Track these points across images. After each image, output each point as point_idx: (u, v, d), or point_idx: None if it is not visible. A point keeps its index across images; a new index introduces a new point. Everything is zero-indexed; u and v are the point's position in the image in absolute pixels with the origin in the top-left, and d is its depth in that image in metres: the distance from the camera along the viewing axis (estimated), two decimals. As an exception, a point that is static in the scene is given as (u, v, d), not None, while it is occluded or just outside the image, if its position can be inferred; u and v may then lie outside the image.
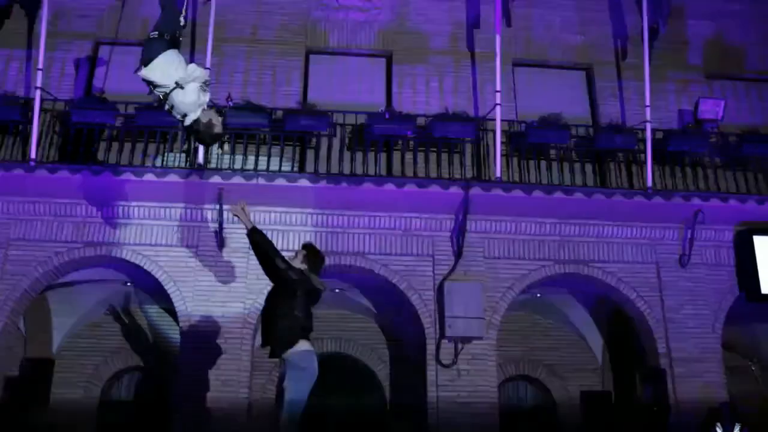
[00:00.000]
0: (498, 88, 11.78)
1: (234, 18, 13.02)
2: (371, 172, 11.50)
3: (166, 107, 6.15)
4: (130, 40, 12.87)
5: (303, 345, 6.48)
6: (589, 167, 12.24)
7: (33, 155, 10.91)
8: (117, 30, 12.86)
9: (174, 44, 6.12)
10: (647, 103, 12.17)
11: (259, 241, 6.74)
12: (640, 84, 12.98)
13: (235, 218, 11.02)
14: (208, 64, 11.46)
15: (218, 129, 6.19)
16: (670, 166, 12.28)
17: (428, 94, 12.96)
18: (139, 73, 6.08)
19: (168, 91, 6.00)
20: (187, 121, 6.12)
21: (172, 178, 10.87)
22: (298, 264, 6.81)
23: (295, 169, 11.75)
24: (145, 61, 6.02)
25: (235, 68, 12.70)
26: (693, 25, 14.18)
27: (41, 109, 11.21)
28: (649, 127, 11.96)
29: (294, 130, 11.66)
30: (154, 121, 11.36)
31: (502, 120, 11.66)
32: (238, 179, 10.88)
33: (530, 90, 13.42)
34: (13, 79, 12.47)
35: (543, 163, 11.93)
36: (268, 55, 12.97)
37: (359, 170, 11.61)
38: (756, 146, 12.36)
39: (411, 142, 11.94)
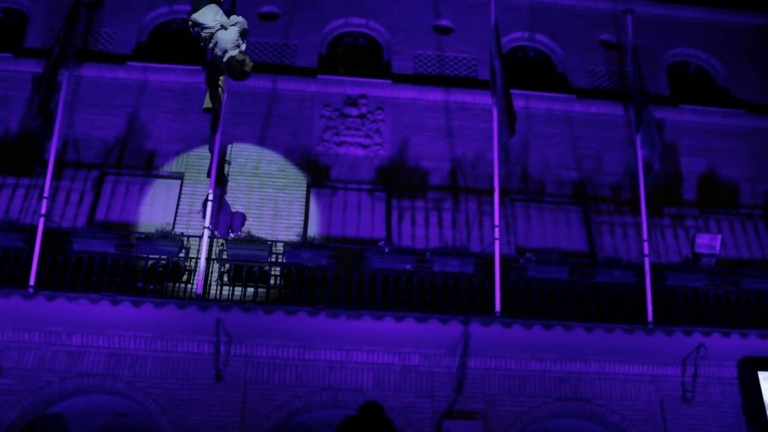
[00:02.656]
0: (497, 222, 11.92)
1: (237, 152, 13.31)
2: (370, 305, 11.44)
3: (210, 45, 7.76)
4: (135, 172, 13.18)
5: None
6: (588, 302, 12.18)
7: (32, 282, 10.91)
8: (122, 162, 13.17)
9: (216, 1, 7.74)
10: (645, 237, 12.29)
11: None
12: (636, 218, 13.18)
13: (231, 350, 11.06)
14: (211, 196, 11.64)
15: (248, 68, 7.68)
16: (669, 300, 12.24)
17: (427, 228, 13.09)
18: (190, 18, 7.70)
19: (213, 31, 7.64)
20: (226, 57, 7.65)
21: (170, 308, 10.83)
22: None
23: (294, 302, 11.69)
24: (194, 11, 7.65)
25: (236, 200, 12.87)
26: (686, 161, 14.52)
27: (43, 236, 11.27)
28: (647, 261, 12.02)
29: (294, 263, 11.70)
30: (154, 251, 11.45)
31: (500, 254, 11.75)
32: (236, 311, 10.84)
33: (528, 224, 13.58)
34: (17, 207, 12.61)
35: (543, 298, 11.89)
36: (269, 188, 13.17)
37: (358, 304, 11.56)
38: (756, 281, 12.39)
39: (411, 276, 11.95)
